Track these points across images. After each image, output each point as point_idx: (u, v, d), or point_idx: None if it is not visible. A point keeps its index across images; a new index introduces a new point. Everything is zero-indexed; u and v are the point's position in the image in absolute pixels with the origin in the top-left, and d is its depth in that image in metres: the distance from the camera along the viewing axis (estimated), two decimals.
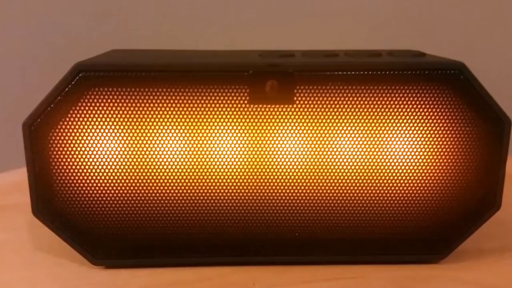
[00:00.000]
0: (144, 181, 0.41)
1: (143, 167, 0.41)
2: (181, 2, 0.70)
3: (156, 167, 0.41)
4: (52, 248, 0.46)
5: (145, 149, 0.41)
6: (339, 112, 0.41)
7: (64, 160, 0.41)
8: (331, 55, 0.44)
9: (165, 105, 0.40)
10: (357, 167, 0.42)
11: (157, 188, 0.42)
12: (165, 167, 0.41)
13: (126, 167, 0.41)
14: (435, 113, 0.41)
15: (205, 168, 0.41)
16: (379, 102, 0.41)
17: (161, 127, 0.40)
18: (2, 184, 0.62)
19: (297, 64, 0.41)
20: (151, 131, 0.40)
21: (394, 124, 0.41)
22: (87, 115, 0.40)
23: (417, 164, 0.42)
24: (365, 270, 0.43)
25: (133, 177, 0.41)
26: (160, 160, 0.41)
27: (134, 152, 0.41)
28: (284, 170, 0.42)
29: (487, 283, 0.42)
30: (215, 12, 0.70)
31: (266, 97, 0.40)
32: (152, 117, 0.40)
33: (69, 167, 0.41)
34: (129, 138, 0.40)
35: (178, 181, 0.41)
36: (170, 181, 0.41)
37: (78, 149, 0.40)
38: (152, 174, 0.41)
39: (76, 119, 0.40)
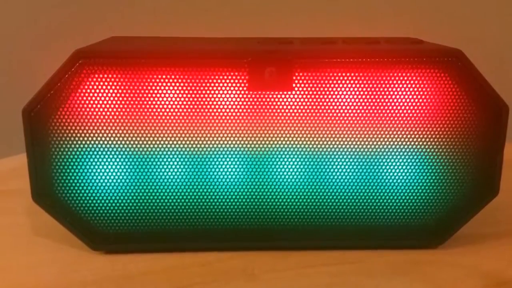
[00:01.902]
0: (143, 167, 0.42)
1: (142, 153, 0.41)
2: None
3: (155, 153, 0.41)
4: (51, 233, 0.46)
5: (144, 135, 0.41)
6: (337, 98, 0.41)
7: (63, 146, 0.41)
8: (330, 42, 0.44)
9: (164, 91, 0.40)
10: (356, 153, 0.42)
11: (156, 174, 0.42)
12: (164, 153, 0.41)
13: (125, 153, 0.41)
14: (433, 100, 0.41)
15: (205, 154, 0.42)
16: (377, 89, 0.41)
17: (160, 113, 0.40)
18: (2, 170, 0.63)
19: (295, 51, 0.41)
20: (150, 117, 0.41)
21: (392, 111, 0.41)
22: (87, 102, 0.40)
23: (415, 150, 0.42)
24: (364, 255, 0.44)
25: (132, 163, 0.41)
26: (159, 146, 0.41)
27: (134, 138, 0.41)
28: (283, 157, 0.42)
29: (485, 268, 0.42)
30: (214, 0, 0.70)
31: (265, 83, 0.40)
32: (151, 103, 0.40)
33: (68, 153, 0.41)
34: (128, 124, 0.41)
35: (177, 167, 0.42)
36: (169, 167, 0.42)
37: (78, 135, 0.41)
38: (151, 160, 0.41)
39: (76, 105, 0.40)
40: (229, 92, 0.40)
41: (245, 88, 0.40)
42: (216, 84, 0.40)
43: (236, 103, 0.41)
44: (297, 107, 0.41)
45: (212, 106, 0.41)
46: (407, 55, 0.40)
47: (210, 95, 0.41)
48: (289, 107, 0.41)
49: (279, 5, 0.71)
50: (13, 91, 0.71)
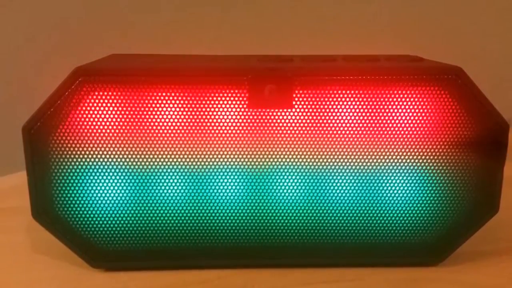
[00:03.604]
0: (143, 184, 0.42)
1: (142, 170, 0.41)
2: (180, 7, 0.70)
3: (156, 171, 0.41)
4: (51, 250, 0.46)
5: (144, 152, 0.41)
6: (337, 116, 0.41)
7: (63, 163, 0.41)
8: (330, 60, 0.44)
9: (164, 108, 0.40)
10: (356, 170, 0.42)
11: (156, 192, 0.42)
12: (164, 170, 0.41)
13: (126, 170, 0.41)
14: (433, 117, 0.41)
15: (205, 172, 0.42)
16: (377, 107, 0.41)
17: (161, 130, 0.40)
18: (2, 187, 0.63)
19: (295, 68, 0.41)
20: (150, 135, 0.41)
21: (392, 128, 0.41)
22: (87, 119, 0.40)
23: (415, 167, 0.42)
24: (363, 272, 0.44)
25: (133, 181, 0.41)
26: (160, 163, 0.41)
27: (134, 156, 0.41)
28: (283, 174, 0.42)
29: (486, 285, 0.42)
30: (214, 18, 0.70)
31: (265, 101, 0.40)
32: (151, 120, 0.40)
33: (68, 170, 0.41)
34: (128, 141, 0.41)
35: (177, 184, 0.42)
36: (169, 184, 0.42)
37: (78, 153, 0.40)
38: (151, 177, 0.41)
39: (76, 123, 0.40)
40: (229, 109, 0.40)
41: (245, 106, 0.40)
42: (216, 102, 0.40)
43: (236, 120, 0.41)
44: (297, 124, 0.41)
45: (212, 124, 0.41)
46: (407, 72, 0.40)
47: (210, 113, 0.41)
48: (289, 124, 0.41)
49: (279, 23, 0.71)
50: (12, 109, 0.71)
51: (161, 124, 0.40)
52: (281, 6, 0.71)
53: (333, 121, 0.41)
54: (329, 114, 0.41)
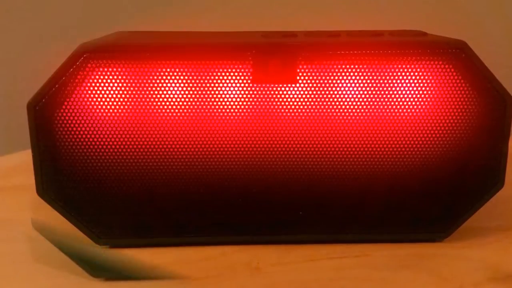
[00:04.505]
0: (149, 160, 0.42)
1: (148, 146, 0.41)
2: None
3: (161, 145, 0.41)
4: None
5: (149, 129, 0.41)
6: (341, 91, 0.41)
7: (68, 140, 0.41)
8: (334, 35, 0.44)
9: (168, 84, 0.40)
10: (360, 145, 0.42)
11: (162, 166, 0.42)
12: (169, 145, 0.41)
13: (131, 147, 0.41)
14: (437, 92, 0.41)
15: (209, 146, 0.42)
16: (381, 81, 0.41)
17: (165, 106, 0.41)
18: (6, 165, 0.63)
19: (300, 43, 0.41)
20: (155, 111, 0.41)
21: (396, 103, 0.41)
22: (92, 96, 0.40)
23: (420, 142, 0.42)
24: (368, 248, 0.44)
25: (138, 157, 0.42)
26: (165, 139, 0.41)
27: (139, 132, 0.41)
28: (287, 149, 0.42)
29: (491, 261, 0.42)
30: None
31: (269, 76, 0.40)
32: (156, 97, 0.40)
33: (73, 147, 0.41)
34: (133, 118, 0.41)
35: (182, 158, 0.42)
36: (174, 159, 0.42)
37: (83, 129, 0.41)
38: (157, 152, 0.41)
39: (81, 99, 0.40)
40: (234, 85, 0.40)
41: (249, 81, 0.40)
42: (221, 77, 0.40)
43: (240, 95, 0.41)
44: (302, 99, 0.41)
45: (217, 99, 0.41)
46: (411, 47, 0.40)
47: (215, 88, 0.41)
48: (293, 99, 0.41)
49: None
50: (17, 86, 0.71)
51: (165, 99, 0.40)
52: None
53: (338, 96, 0.41)
54: (333, 89, 0.41)
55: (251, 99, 0.41)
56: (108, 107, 0.40)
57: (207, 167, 0.42)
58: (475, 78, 0.40)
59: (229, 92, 0.41)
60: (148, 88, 0.40)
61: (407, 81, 0.41)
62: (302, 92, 0.41)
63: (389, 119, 0.41)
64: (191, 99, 0.41)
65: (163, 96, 0.40)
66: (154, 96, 0.40)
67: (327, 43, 0.41)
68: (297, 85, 0.41)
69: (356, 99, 0.41)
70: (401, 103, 0.41)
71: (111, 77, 0.40)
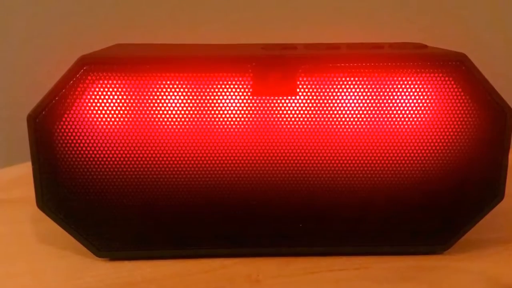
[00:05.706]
0: (149, 172, 0.42)
1: (148, 159, 0.41)
2: None
3: (161, 158, 0.41)
4: (56, 240, 0.46)
5: (149, 141, 0.41)
6: (342, 103, 0.41)
7: (68, 152, 0.41)
8: (334, 47, 0.44)
9: (168, 96, 0.40)
10: (360, 157, 0.42)
11: (162, 179, 0.42)
12: (169, 157, 0.41)
13: (131, 159, 0.41)
14: (438, 104, 0.41)
15: (208, 158, 0.42)
16: (381, 93, 0.41)
17: (165, 119, 0.41)
18: (6, 178, 0.63)
19: (300, 56, 0.41)
20: (155, 123, 0.41)
21: (396, 115, 0.41)
22: (92, 108, 0.40)
23: (420, 155, 0.42)
24: (368, 261, 0.44)
25: (138, 169, 0.41)
26: (164, 151, 0.41)
27: (139, 144, 0.41)
28: (287, 162, 0.42)
29: (491, 273, 0.42)
30: (218, 8, 0.70)
31: (269, 88, 0.40)
32: (156, 109, 0.40)
33: (73, 159, 0.41)
34: (133, 130, 0.41)
35: (182, 170, 0.42)
36: (174, 172, 0.42)
37: (83, 141, 0.41)
38: (157, 165, 0.41)
39: (81, 111, 0.40)
40: (234, 97, 0.40)
41: (249, 93, 0.40)
42: (221, 90, 0.40)
43: (240, 108, 0.41)
44: (302, 111, 0.41)
45: (217, 111, 0.41)
46: (411, 59, 0.40)
47: (215, 101, 0.41)
48: (293, 112, 0.41)
49: (283, 11, 0.71)
50: (17, 98, 0.71)
51: (165, 112, 0.40)
52: None
53: (338, 108, 0.41)
54: (334, 101, 0.41)
55: (251, 112, 0.41)
56: (108, 119, 0.40)
57: (207, 179, 0.42)
58: (475, 90, 0.40)
59: (229, 105, 0.41)
60: (148, 100, 0.40)
61: (407, 93, 0.41)
62: (302, 105, 0.41)
63: (389, 132, 0.41)
64: (191, 112, 0.41)
65: (163, 108, 0.40)
66: (154, 108, 0.40)
67: (327, 56, 0.41)
68: (297, 97, 0.41)
69: (356, 112, 0.41)
70: (401, 115, 0.41)
71: (111, 89, 0.40)
